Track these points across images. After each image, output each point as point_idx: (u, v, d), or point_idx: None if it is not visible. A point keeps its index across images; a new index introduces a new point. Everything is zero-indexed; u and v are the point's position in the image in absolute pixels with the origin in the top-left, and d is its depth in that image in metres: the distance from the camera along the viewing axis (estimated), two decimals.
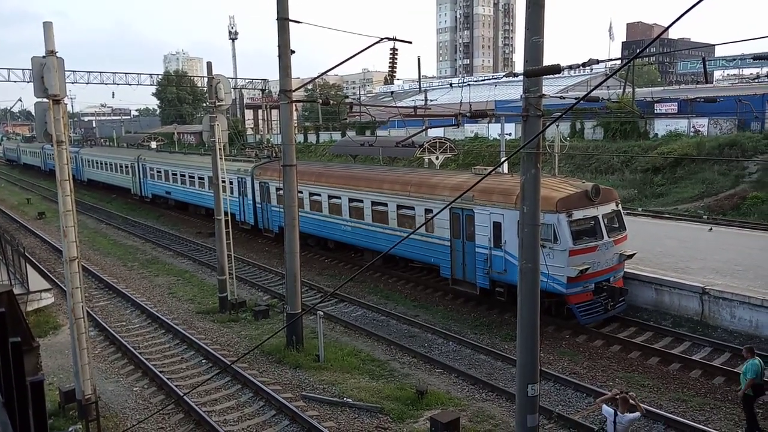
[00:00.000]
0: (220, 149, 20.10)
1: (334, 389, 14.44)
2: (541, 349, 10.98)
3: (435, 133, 36.64)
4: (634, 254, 18.07)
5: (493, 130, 47.80)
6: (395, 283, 23.05)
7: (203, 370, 15.89)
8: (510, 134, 40.12)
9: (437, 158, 28.67)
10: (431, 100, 52.46)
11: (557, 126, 31.10)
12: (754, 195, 30.76)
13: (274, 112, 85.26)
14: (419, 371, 15.44)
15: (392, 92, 73.45)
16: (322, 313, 16.58)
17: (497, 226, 17.87)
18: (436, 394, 13.82)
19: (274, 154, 31.80)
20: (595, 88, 7.64)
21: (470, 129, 52.45)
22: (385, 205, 22.26)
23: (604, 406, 10.19)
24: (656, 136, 41.06)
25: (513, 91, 59.91)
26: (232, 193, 31.85)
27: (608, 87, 44.92)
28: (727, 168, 33.78)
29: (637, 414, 9.95)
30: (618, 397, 10.27)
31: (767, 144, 33.12)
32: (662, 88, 61.37)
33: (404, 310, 20.05)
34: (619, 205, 18.56)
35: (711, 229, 24.94)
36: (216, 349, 16.94)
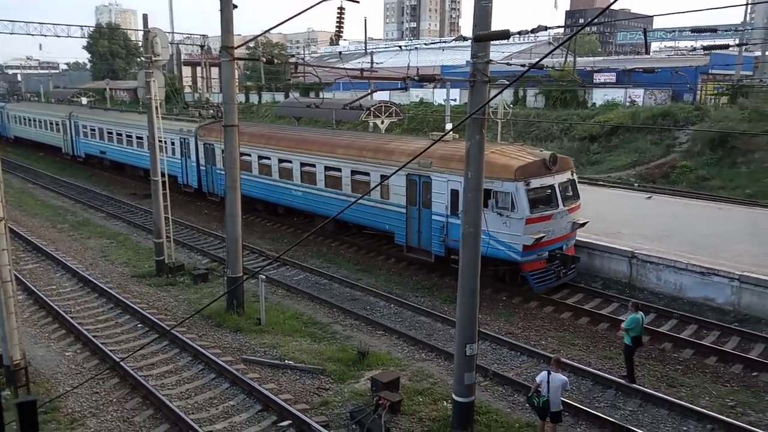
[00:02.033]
0: (156, 107, 19.24)
1: (275, 352, 14.43)
2: (479, 310, 11.24)
3: (380, 97, 36.35)
4: (586, 223, 18.24)
5: (439, 96, 47.87)
6: (338, 247, 23.05)
7: (139, 335, 15.54)
8: (455, 100, 40.33)
9: (383, 122, 28.48)
10: (377, 63, 51.89)
11: (502, 92, 31.38)
12: (683, 164, 32.22)
13: (214, 70, 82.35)
14: (361, 333, 15.61)
15: (341, 53, 72.00)
16: (264, 277, 16.41)
17: (455, 194, 17.55)
18: (377, 355, 14.04)
19: (219, 115, 30.77)
20: (549, 53, 7.66)
21: (415, 94, 52.33)
22: (339, 170, 21.71)
23: (540, 374, 10.53)
24: (594, 106, 42.18)
25: (459, 57, 59.97)
26: (173, 154, 30.67)
27: (552, 56, 45.57)
28: (660, 138, 35.17)
29: (565, 378, 10.34)
30: (552, 358, 10.73)
31: (698, 115, 34.57)
32: (602, 57, 62.84)
33: (347, 274, 20.12)
34: (574, 173, 18.70)
35: (650, 197, 25.98)
36: (153, 313, 16.56)
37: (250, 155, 25.61)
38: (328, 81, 49.72)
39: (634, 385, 12.68)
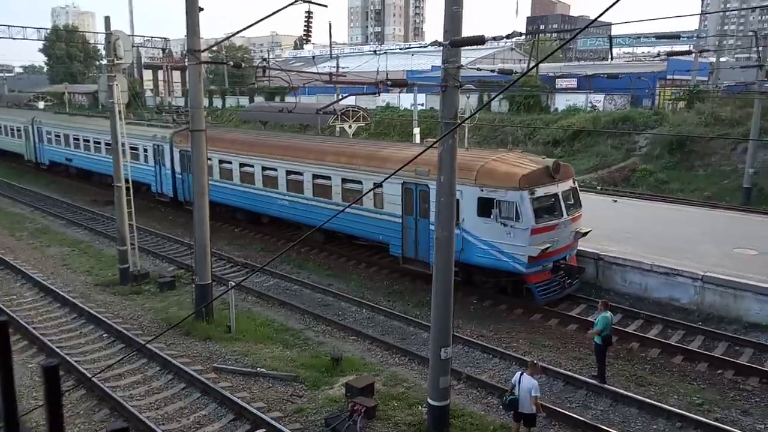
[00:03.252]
0: (120, 111, 18.80)
1: (246, 360, 14.21)
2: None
3: (347, 101, 36.31)
4: (588, 232, 17.81)
5: (405, 100, 48.08)
6: (308, 252, 22.87)
7: (105, 345, 15.12)
8: (422, 105, 40.59)
9: (350, 127, 28.46)
10: (343, 68, 51.81)
11: (467, 98, 31.75)
12: (642, 168, 33.10)
13: (176, 74, 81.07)
14: (333, 339, 15.51)
15: (314, 57, 71.51)
16: (233, 284, 16.16)
17: (455, 203, 17.42)
18: (350, 360, 13.96)
19: None
20: (541, 62, 7.77)
21: (382, 98, 52.47)
22: (329, 178, 20.79)
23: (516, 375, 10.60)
24: (557, 111, 43.00)
25: (424, 61, 60.39)
26: (146, 161, 29.54)
27: (518, 62, 46.28)
28: (620, 142, 36.07)
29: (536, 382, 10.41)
30: (529, 361, 10.83)
31: (657, 120, 35.57)
32: (563, 63, 64.14)
33: (318, 279, 19.99)
34: (575, 181, 18.22)
35: (615, 200, 26.57)
36: (118, 322, 16.11)
37: (231, 163, 24.75)
38: (295, 86, 49.48)
39: (605, 384, 12.91)
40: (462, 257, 16.93)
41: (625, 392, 12.61)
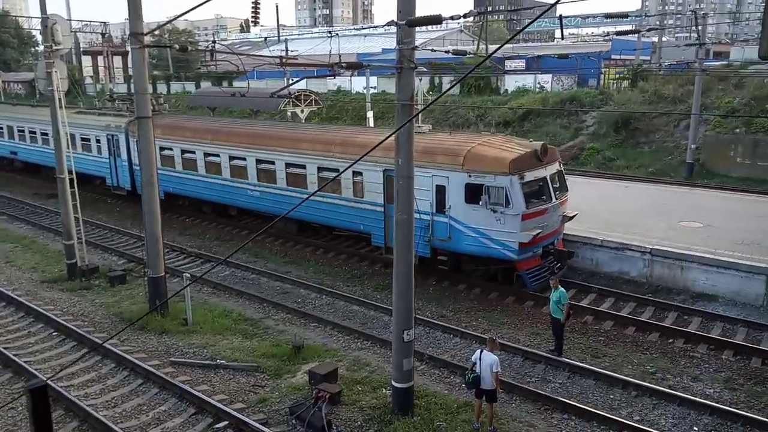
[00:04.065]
0: (60, 99, 17.94)
1: (205, 352, 13.93)
2: None
3: (297, 85, 35.70)
4: (575, 215, 17.65)
5: (356, 84, 47.71)
6: (264, 240, 22.50)
7: (55, 344, 14.53)
8: (374, 88, 40.37)
9: (302, 111, 27.97)
10: (292, 51, 50.95)
11: (420, 80, 31.69)
12: (590, 146, 33.90)
13: (117, 60, 77.97)
14: (294, 327, 15.36)
15: (266, 38, 69.47)
16: (188, 275, 15.77)
17: (441, 190, 16.47)
18: (312, 347, 13.87)
19: (153, 108, 28.36)
20: (505, 43, 7.70)
21: (333, 82, 51.94)
22: (304, 167, 19.92)
23: (476, 353, 10.74)
24: (507, 92, 43.49)
25: (373, 44, 60.01)
26: (100, 153, 28.11)
27: (467, 44, 46.46)
28: (568, 121, 36.81)
29: (496, 357, 10.58)
30: (487, 338, 10.99)
31: (602, 99, 36.42)
32: (511, 45, 64.79)
33: (275, 267, 19.73)
34: (561, 164, 17.90)
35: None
36: (68, 320, 15.51)
37: (194, 152, 23.64)
38: (244, 70, 48.37)
39: (562, 358, 13.25)
40: (450, 245, 16.68)
41: (582, 364, 12.98)
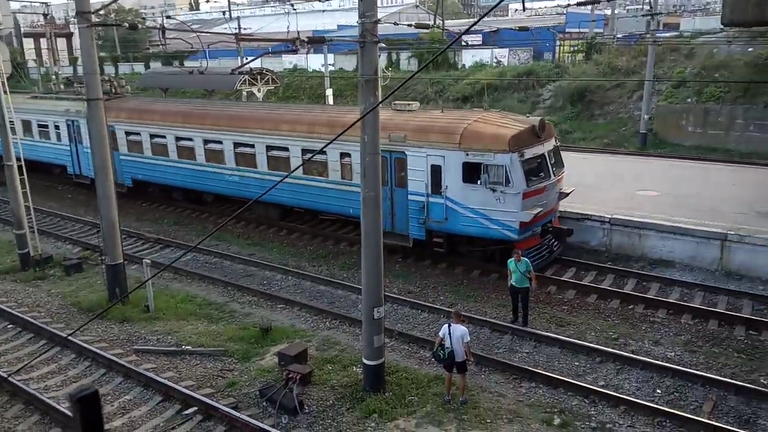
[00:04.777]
0: (3, 82, 17.04)
1: (170, 339, 13.64)
2: None
3: (254, 63, 34.83)
4: (572, 191, 17.34)
5: (313, 62, 46.94)
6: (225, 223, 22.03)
7: (11, 336, 14.00)
8: (332, 65, 39.74)
9: (259, 90, 27.36)
10: (245, 29, 49.67)
11: (378, 56, 31.29)
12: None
13: (60, 42, 74.71)
14: (261, 309, 15.18)
15: (225, 12, 66.98)
16: (149, 261, 15.35)
17: (436, 170, 15.87)
18: (280, 329, 13.73)
19: (114, 91, 26.27)
20: (482, 17, 7.53)
21: (288, 60, 50.96)
22: (286, 149, 18.94)
23: (442, 328, 10.83)
24: (464, 67, 43.47)
25: (329, 21, 59.06)
26: (59, 140, 26.70)
27: (423, 20, 46.13)
28: (526, 95, 37.06)
29: (465, 328, 10.68)
30: (453, 311, 11.08)
31: (558, 72, 36.78)
32: (468, 20, 64.81)
33: (238, 250, 19.41)
34: (557, 140, 17.48)
35: None
36: (24, 311, 14.96)
37: (165, 137, 22.41)
38: (195, 49, 46.98)
39: (527, 328, 13.49)
40: (446, 227, 16.23)
41: (548, 333, 13.23)
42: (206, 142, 21.40)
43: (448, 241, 16.74)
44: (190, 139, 21.86)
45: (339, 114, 19.30)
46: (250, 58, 15.87)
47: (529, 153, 15.33)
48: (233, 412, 10.47)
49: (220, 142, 20.98)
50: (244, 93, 28.10)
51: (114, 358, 12.36)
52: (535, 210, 15.22)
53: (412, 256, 17.99)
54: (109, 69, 65.72)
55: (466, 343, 10.46)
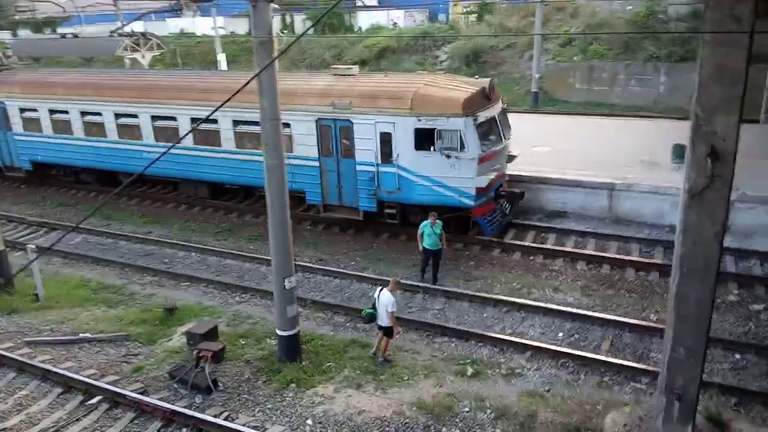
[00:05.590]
0: None
1: (65, 327, 12.75)
2: None
3: (136, 28, 32.53)
4: (516, 156, 17.00)
5: (201, 26, 44.58)
6: (116, 201, 20.68)
7: None
8: (222, 28, 37.88)
9: (143, 57, 25.59)
10: None
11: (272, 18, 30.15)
12: None
13: None
14: (164, 289, 14.51)
15: None
16: (33, 246, 14.14)
17: (386, 138, 15.10)
18: (187, 307, 13.21)
19: (1, 62, 23.25)
20: None
21: (174, 24, 48.07)
22: (215, 121, 17.22)
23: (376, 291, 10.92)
24: (360, 30, 42.99)
25: None
26: None
27: None
28: (423, 57, 37.30)
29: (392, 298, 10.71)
30: (392, 278, 11.24)
31: (453, 34, 37.24)
32: None
33: (134, 229, 18.34)
34: (505, 101, 17.02)
35: None
36: None
37: (68, 112, 20.22)
38: (67, 15, 43.22)
39: (436, 285, 13.81)
40: (399, 197, 15.62)
41: (456, 290, 13.63)
42: (118, 116, 19.37)
43: (401, 211, 16.25)
44: (99, 114, 19.72)
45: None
46: (122, 24, 14.58)
47: (482, 116, 14.85)
48: (141, 397, 10.00)
49: (135, 116, 19.04)
50: (126, 60, 26.21)
51: (4, 353, 11.41)
52: (490, 175, 15.00)
53: (320, 224, 17.80)
54: None
55: (390, 312, 10.56)
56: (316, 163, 16.37)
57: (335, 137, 15.97)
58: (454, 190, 14.91)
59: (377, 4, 46.18)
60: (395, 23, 42.50)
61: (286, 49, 9.33)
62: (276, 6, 17.51)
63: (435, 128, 14.55)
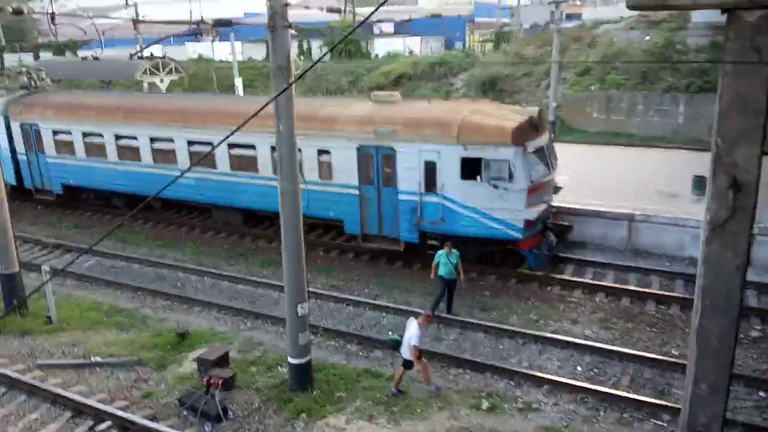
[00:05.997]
0: None
1: (77, 350, 12.66)
2: None
3: (155, 53, 33.04)
4: (562, 187, 16.46)
5: (219, 51, 45.25)
6: (131, 223, 20.72)
7: None
8: (240, 54, 38.44)
9: (162, 81, 25.93)
10: (142, 16, 47.10)
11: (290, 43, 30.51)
12: None
13: None
14: (176, 313, 14.38)
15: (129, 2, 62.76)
16: (47, 268, 14.14)
17: (430, 167, 14.63)
18: (199, 333, 13.06)
19: (34, 84, 23.18)
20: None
21: (192, 50, 48.88)
22: (253, 147, 16.96)
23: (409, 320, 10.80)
24: (377, 57, 43.42)
25: (234, 8, 57.17)
26: None
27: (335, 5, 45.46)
28: (439, 84, 37.47)
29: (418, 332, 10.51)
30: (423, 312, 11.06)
31: (469, 62, 37.46)
32: (383, 8, 64.54)
33: (147, 252, 18.34)
34: (551, 131, 16.58)
35: None
36: None
37: (102, 135, 20.01)
38: (88, 39, 44.06)
39: (450, 315, 13.55)
40: (443, 228, 14.98)
41: (472, 320, 13.36)
42: (153, 140, 19.04)
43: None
44: (134, 138, 19.44)
45: (316, 107, 17.18)
46: (141, 48, 14.74)
47: (531, 146, 14.34)
48: (151, 424, 9.82)
49: (171, 140, 18.69)
50: (145, 84, 26.57)
51: (15, 375, 11.34)
52: (540, 207, 14.47)
53: (334, 250, 17.67)
54: None
55: (412, 346, 10.36)
56: (356, 192, 15.92)
57: (377, 165, 15.55)
58: (502, 222, 14.35)
59: (393, 32, 46.68)
60: (411, 50, 42.88)
61: (303, 74, 9.37)
62: (294, 32, 17.66)
63: (482, 158, 14.09)
